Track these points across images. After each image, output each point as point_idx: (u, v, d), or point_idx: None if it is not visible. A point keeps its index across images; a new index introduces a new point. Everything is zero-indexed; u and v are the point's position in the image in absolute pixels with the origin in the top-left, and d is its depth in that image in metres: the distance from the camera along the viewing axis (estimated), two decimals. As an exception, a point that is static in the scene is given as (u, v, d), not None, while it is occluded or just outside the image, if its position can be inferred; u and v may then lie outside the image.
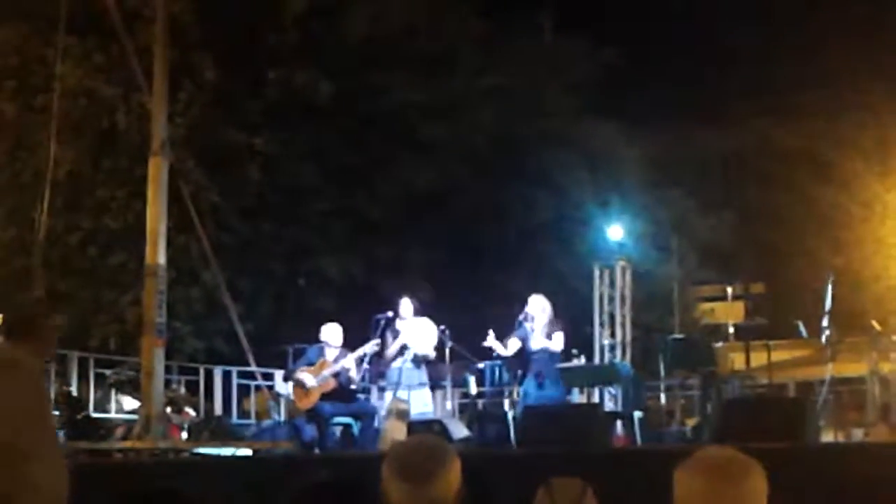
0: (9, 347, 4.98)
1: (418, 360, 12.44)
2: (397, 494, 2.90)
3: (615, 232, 21.41)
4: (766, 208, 27.11)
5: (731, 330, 17.30)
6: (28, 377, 4.75)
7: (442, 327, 12.72)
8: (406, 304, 12.63)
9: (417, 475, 2.90)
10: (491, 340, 12.01)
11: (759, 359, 14.24)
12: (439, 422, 11.75)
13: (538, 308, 12.12)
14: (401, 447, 3.10)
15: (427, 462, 2.93)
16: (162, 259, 13.68)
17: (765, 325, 17.44)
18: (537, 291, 12.50)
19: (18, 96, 21.05)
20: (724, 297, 24.81)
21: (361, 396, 12.83)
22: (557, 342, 12.01)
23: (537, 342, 12.02)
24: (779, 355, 14.55)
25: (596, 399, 15.51)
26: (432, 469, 2.91)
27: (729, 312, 22.38)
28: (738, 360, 15.05)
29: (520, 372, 12.43)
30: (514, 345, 12.13)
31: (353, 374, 12.17)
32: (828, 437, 11.90)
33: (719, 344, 15.83)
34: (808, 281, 22.55)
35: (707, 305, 26.41)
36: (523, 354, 12.22)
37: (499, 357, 12.48)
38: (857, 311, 18.30)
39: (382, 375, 12.96)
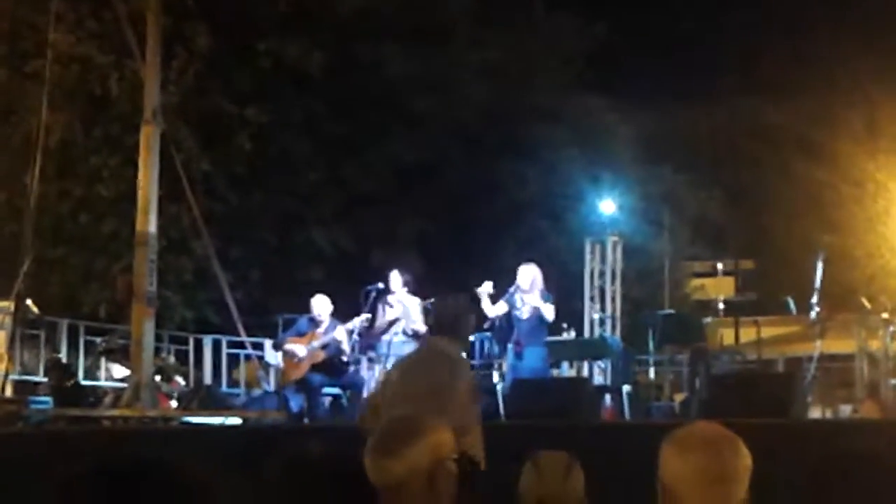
0: (443, 342, 5.86)
1: (409, 335, 12.43)
2: (367, 468, 2.93)
3: (607, 207, 21.43)
4: (756, 186, 27.15)
5: (721, 306, 17.32)
6: (465, 366, 5.86)
7: (432, 300, 12.71)
8: (395, 277, 12.60)
9: (378, 451, 2.94)
10: (484, 288, 11.86)
11: (748, 334, 14.31)
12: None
13: (528, 279, 12.00)
14: (384, 422, 3.14)
15: (391, 439, 2.96)
16: (153, 228, 13.67)
17: (754, 301, 17.53)
18: (527, 263, 12.38)
19: (9, 62, 20.94)
20: (714, 273, 24.89)
21: (351, 368, 12.83)
22: (549, 310, 11.87)
23: (525, 312, 11.94)
24: (768, 331, 14.63)
25: (585, 373, 15.53)
26: (394, 446, 2.93)
27: (719, 288, 22.42)
28: (727, 336, 15.12)
29: (508, 345, 12.40)
30: (500, 308, 12.01)
31: (345, 346, 12.14)
32: (816, 413, 11.97)
33: (709, 319, 15.87)
34: (798, 258, 22.61)
35: (697, 281, 26.50)
36: (509, 323, 12.16)
37: (488, 328, 12.44)
38: (848, 288, 18.36)
39: (372, 347, 12.95)
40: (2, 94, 21.08)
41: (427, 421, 3.08)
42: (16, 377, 15.12)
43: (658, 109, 26.81)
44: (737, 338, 14.62)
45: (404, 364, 6.29)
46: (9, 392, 13.95)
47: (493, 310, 11.97)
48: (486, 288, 11.86)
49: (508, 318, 12.13)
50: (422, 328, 12.52)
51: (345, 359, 12.34)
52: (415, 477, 2.92)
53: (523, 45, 27.05)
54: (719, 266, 24.61)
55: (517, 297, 12.00)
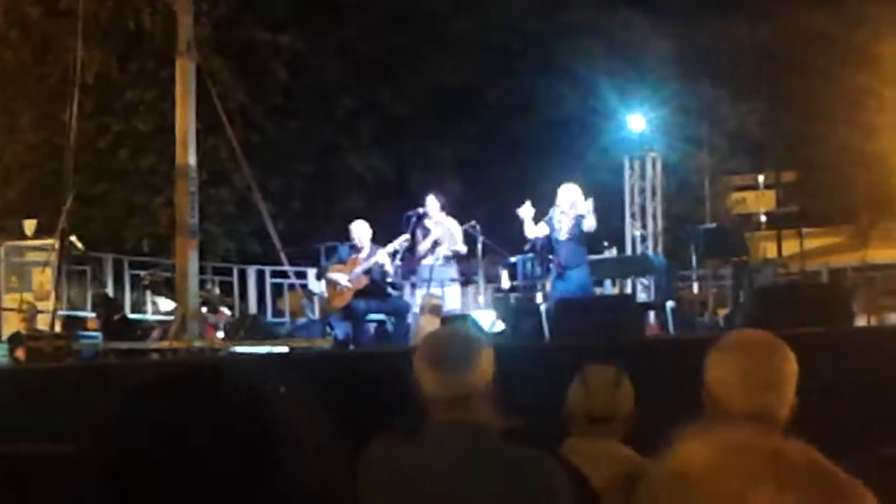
0: None
1: (450, 257, 12.44)
2: (429, 383, 2.93)
3: (644, 123, 21.27)
4: (796, 96, 26.79)
5: (763, 219, 17.21)
6: None
7: (473, 223, 12.69)
8: (432, 201, 12.56)
9: (447, 363, 2.94)
10: (526, 210, 11.64)
11: (791, 247, 14.23)
12: (472, 316, 11.79)
13: (568, 199, 11.75)
14: (432, 337, 3.13)
15: (457, 351, 2.96)
16: (192, 160, 13.67)
17: (797, 213, 17.40)
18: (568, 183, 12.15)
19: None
20: (755, 186, 24.71)
21: (394, 293, 12.86)
22: (590, 221, 11.50)
23: (564, 232, 11.69)
24: (811, 242, 14.54)
25: (628, 290, 15.51)
26: (462, 357, 2.94)
27: (760, 201, 22.31)
28: (770, 249, 15.07)
29: (550, 266, 12.31)
30: (542, 229, 11.75)
31: (388, 268, 12.14)
32: (861, 321, 11.91)
33: (751, 233, 15.78)
34: (839, 166, 22.41)
35: (738, 195, 26.32)
36: (550, 244, 11.98)
37: (529, 250, 12.38)
38: (890, 195, 18.20)
39: (413, 272, 12.97)
40: (36, 32, 21.13)
41: (477, 333, 3.11)
42: (64, 313, 15.32)
43: (695, 22, 26.49)
44: (780, 250, 14.54)
45: None
46: (58, 328, 14.14)
47: (535, 231, 11.80)
48: (527, 209, 11.65)
49: (549, 238, 11.97)
50: (463, 249, 12.51)
51: (389, 280, 12.35)
52: (482, 385, 2.94)
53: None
54: (760, 179, 24.43)
55: (557, 217, 11.80)
